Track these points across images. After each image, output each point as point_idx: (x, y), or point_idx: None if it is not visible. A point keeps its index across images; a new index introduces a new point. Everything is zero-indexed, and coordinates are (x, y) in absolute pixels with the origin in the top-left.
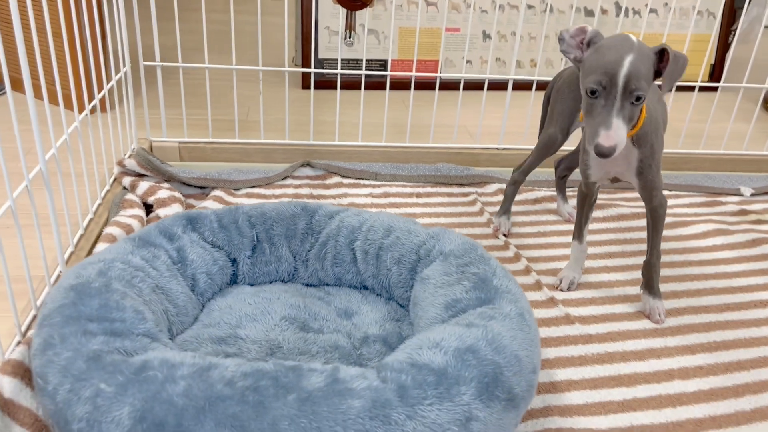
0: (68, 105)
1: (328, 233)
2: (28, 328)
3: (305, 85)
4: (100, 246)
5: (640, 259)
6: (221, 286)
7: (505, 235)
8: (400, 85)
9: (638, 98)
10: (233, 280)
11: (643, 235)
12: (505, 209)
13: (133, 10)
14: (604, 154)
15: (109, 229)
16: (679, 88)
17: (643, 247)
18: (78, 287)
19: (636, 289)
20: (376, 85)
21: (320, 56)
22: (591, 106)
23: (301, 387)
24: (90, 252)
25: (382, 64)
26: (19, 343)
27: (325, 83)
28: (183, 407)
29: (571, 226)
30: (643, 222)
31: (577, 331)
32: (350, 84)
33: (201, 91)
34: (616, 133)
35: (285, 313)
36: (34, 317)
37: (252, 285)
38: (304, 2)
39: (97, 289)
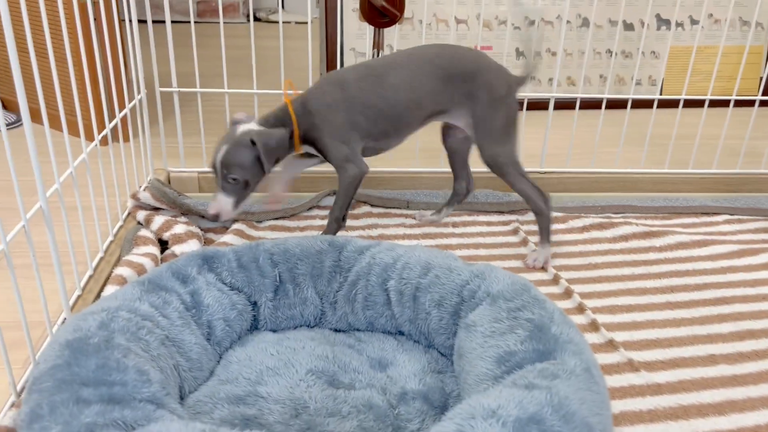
0: (80, 134)
1: (358, 271)
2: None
3: None
4: (109, 289)
5: (707, 294)
6: (240, 333)
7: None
8: None
9: (233, 179)
10: (254, 326)
11: (709, 265)
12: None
13: (148, 36)
14: (213, 218)
15: (119, 270)
16: (736, 104)
17: (709, 279)
18: (74, 344)
19: (707, 329)
20: None
21: None
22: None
23: None
24: (98, 295)
25: None
26: (13, 405)
27: None
28: None
29: (622, 257)
30: (707, 251)
31: (643, 380)
32: None
33: (221, 118)
34: (220, 204)
35: (312, 366)
36: None
37: (274, 331)
38: (328, 24)
39: (95, 346)
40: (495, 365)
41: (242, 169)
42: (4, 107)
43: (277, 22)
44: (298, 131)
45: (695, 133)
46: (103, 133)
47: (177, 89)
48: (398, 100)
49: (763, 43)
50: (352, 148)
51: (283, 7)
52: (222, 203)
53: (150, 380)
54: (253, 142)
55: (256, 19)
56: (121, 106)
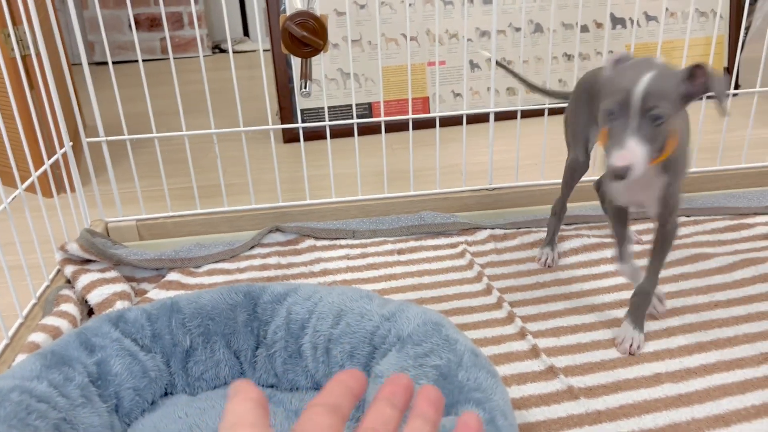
0: (16, 184)
1: (275, 329)
2: None
3: (287, 139)
4: (20, 359)
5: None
6: (154, 399)
7: (549, 266)
8: (385, 128)
9: (657, 117)
10: (171, 390)
11: (661, 275)
12: (548, 241)
13: (66, 84)
14: (618, 175)
15: (33, 336)
16: None
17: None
18: None
19: (654, 345)
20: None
21: (301, 107)
22: (609, 128)
23: None
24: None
25: (366, 108)
26: None
27: (309, 135)
28: None
29: (572, 272)
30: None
31: (583, 408)
32: (334, 133)
33: (168, 159)
34: (631, 152)
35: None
36: None
37: (192, 394)
38: (275, 53)
39: None
40: None
41: (670, 104)
42: None
43: (242, 52)
44: (670, 150)
45: None
46: (14, 195)
47: (105, 138)
48: None
49: (723, 33)
50: None
51: (248, 35)
52: (636, 149)
53: None
54: (692, 74)
55: (221, 50)
56: (36, 166)
